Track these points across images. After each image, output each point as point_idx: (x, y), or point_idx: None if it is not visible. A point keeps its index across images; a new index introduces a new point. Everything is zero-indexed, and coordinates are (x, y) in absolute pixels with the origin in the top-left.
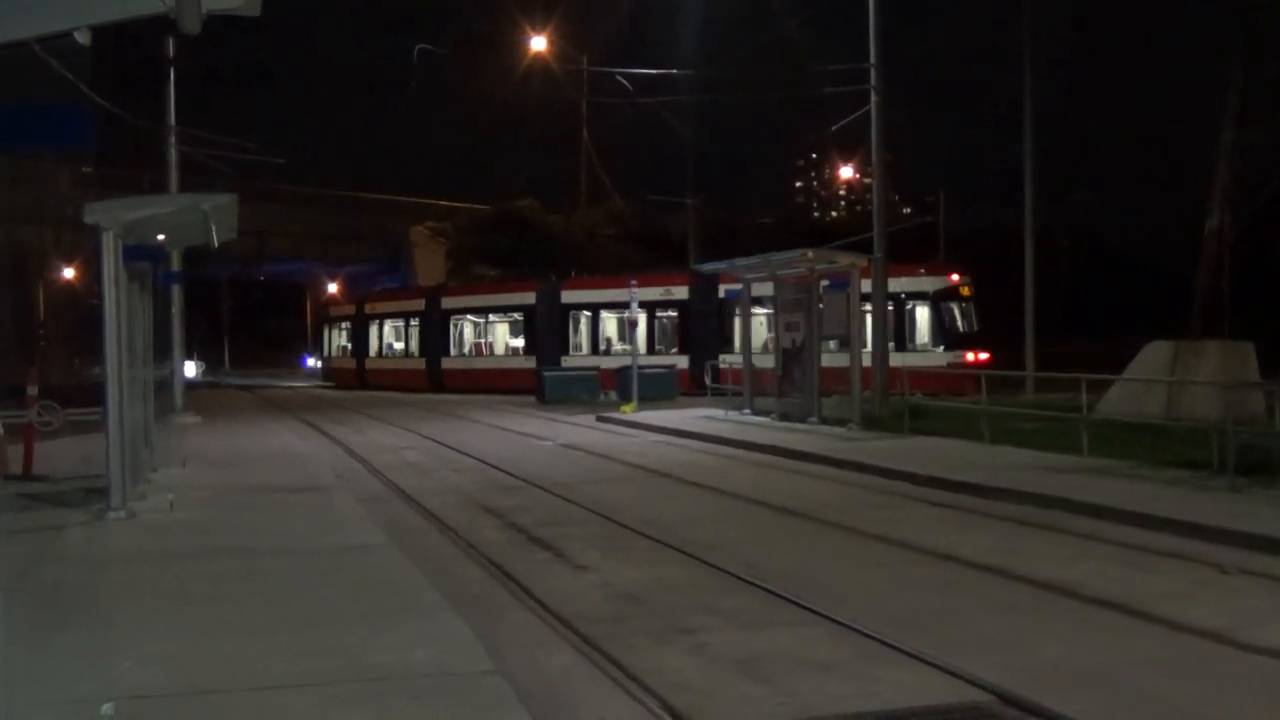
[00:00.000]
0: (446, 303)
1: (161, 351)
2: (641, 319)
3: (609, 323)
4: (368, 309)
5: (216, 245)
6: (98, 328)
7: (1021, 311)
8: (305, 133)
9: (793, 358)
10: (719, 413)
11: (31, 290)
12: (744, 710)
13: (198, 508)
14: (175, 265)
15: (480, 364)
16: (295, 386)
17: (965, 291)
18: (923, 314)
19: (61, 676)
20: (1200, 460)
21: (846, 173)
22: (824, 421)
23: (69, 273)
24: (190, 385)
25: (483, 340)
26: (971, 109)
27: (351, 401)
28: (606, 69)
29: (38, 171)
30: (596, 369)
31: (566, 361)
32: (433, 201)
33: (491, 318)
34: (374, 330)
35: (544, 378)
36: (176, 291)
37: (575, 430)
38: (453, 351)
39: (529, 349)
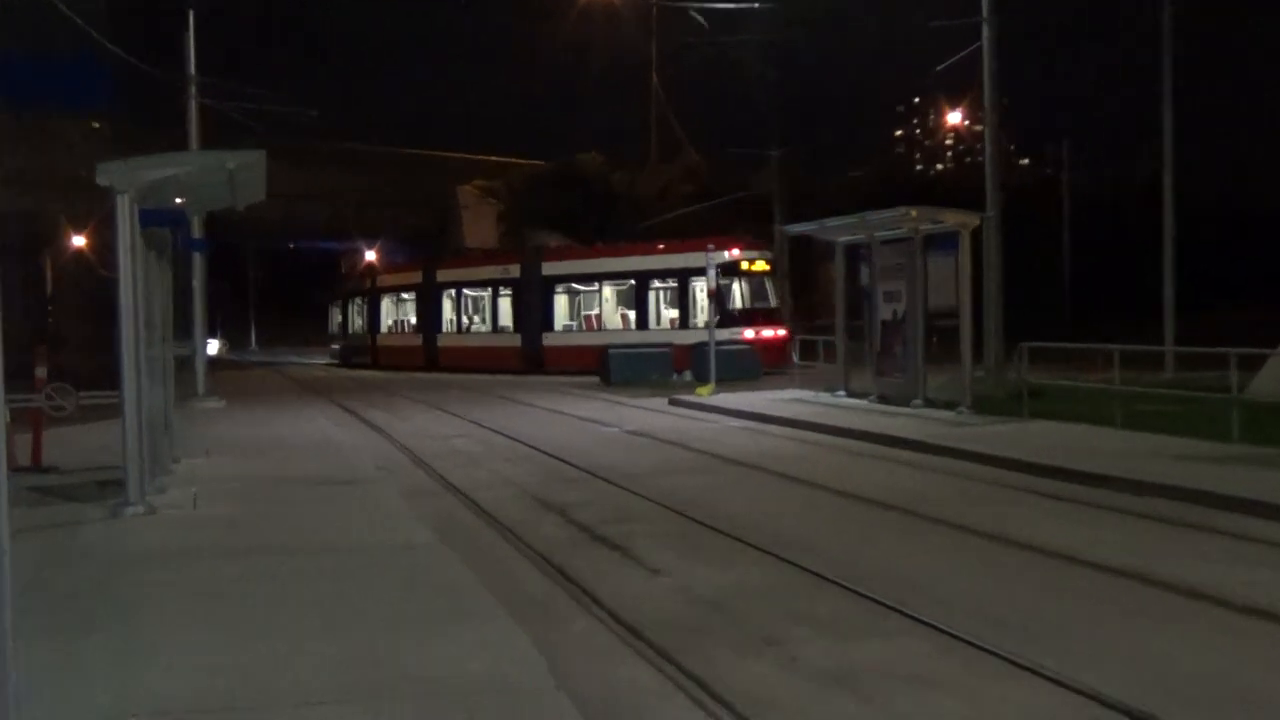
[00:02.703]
0: (381, 281)
1: (183, 328)
2: (487, 296)
3: (470, 300)
4: (348, 288)
5: (242, 209)
6: (112, 302)
7: (1159, 278)
8: (341, 84)
9: (893, 331)
10: (808, 394)
11: (40, 261)
12: None
13: (224, 502)
14: (196, 232)
15: (395, 341)
16: (318, 364)
17: (750, 266)
18: (699, 290)
19: (79, 688)
20: None
21: (954, 119)
22: (929, 404)
23: (80, 241)
24: (211, 364)
25: (393, 319)
26: (1102, 46)
27: (390, 384)
28: (678, 3)
29: (45, 129)
30: (668, 345)
31: (442, 341)
32: (483, 158)
33: (403, 296)
34: (351, 309)
35: (610, 356)
36: (198, 261)
37: (644, 415)
38: (383, 329)
39: (418, 326)
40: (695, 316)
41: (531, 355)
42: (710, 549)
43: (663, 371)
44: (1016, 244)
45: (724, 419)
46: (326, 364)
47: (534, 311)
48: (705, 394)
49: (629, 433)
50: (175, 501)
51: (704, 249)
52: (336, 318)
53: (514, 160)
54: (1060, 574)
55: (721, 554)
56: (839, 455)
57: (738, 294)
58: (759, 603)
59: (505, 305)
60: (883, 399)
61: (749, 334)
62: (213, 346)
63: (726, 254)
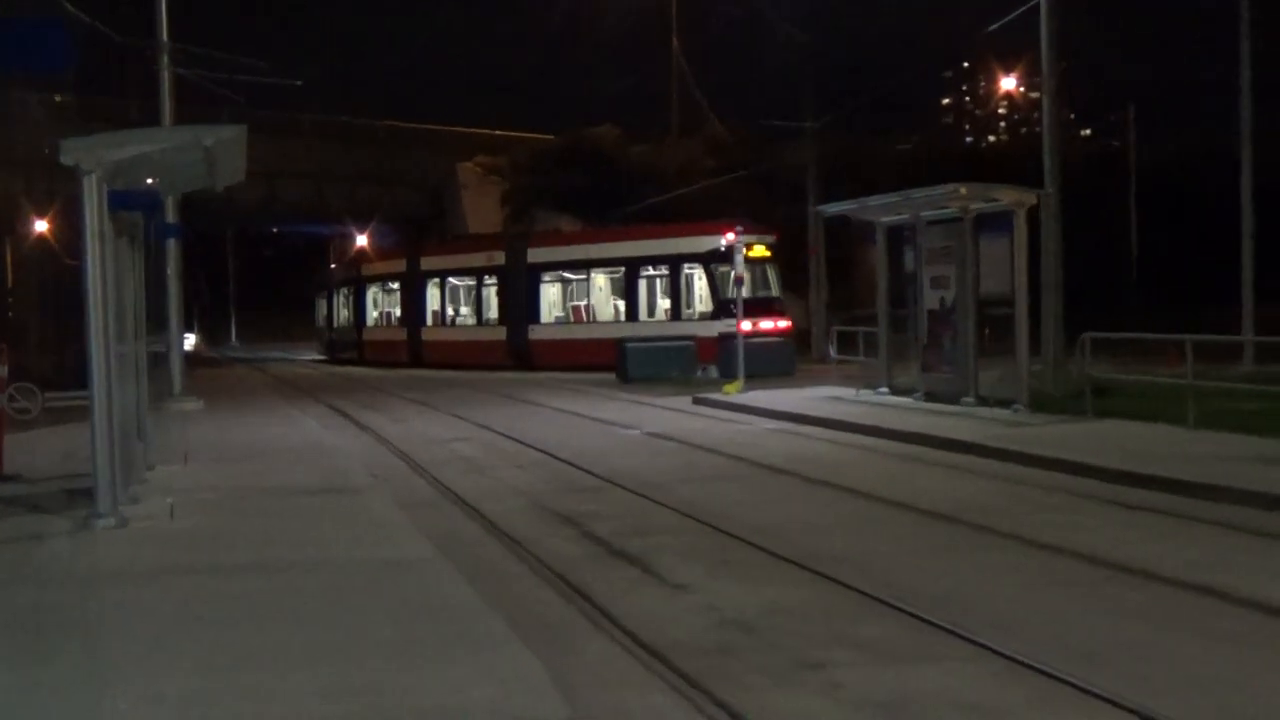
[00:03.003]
0: (366, 270)
1: (156, 323)
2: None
3: (455, 291)
4: (333, 277)
5: (220, 190)
6: (78, 293)
7: (1236, 260)
8: (327, 50)
9: (941, 321)
10: (848, 392)
11: None
12: None
13: (203, 513)
14: (170, 216)
15: (381, 335)
16: (305, 360)
17: (748, 252)
18: (696, 279)
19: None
20: None
21: (1008, 85)
22: (981, 402)
23: (42, 226)
24: (188, 361)
25: (378, 311)
26: (1171, 2)
27: (384, 382)
28: None
29: (4, 104)
30: (691, 338)
31: (426, 335)
32: (486, 132)
33: (389, 286)
34: (336, 300)
35: (627, 351)
36: (173, 248)
37: (666, 416)
38: (369, 322)
39: (402, 319)
40: (690, 307)
41: (518, 350)
42: (741, 564)
43: (685, 367)
44: (1078, 224)
45: (755, 419)
46: (314, 360)
47: (519, 303)
48: (733, 392)
49: (650, 435)
50: (149, 513)
51: (694, 233)
52: (322, 310)
53: (519, 134)
54: (1132, 590)
55: (754, 570)
56: (882, 459)
57: (724, 281)
58: (796, 624)
59: (490, 296)
60: (930, 396)
61: (745, 326)
62: (188, 342)
63: (720, 238)
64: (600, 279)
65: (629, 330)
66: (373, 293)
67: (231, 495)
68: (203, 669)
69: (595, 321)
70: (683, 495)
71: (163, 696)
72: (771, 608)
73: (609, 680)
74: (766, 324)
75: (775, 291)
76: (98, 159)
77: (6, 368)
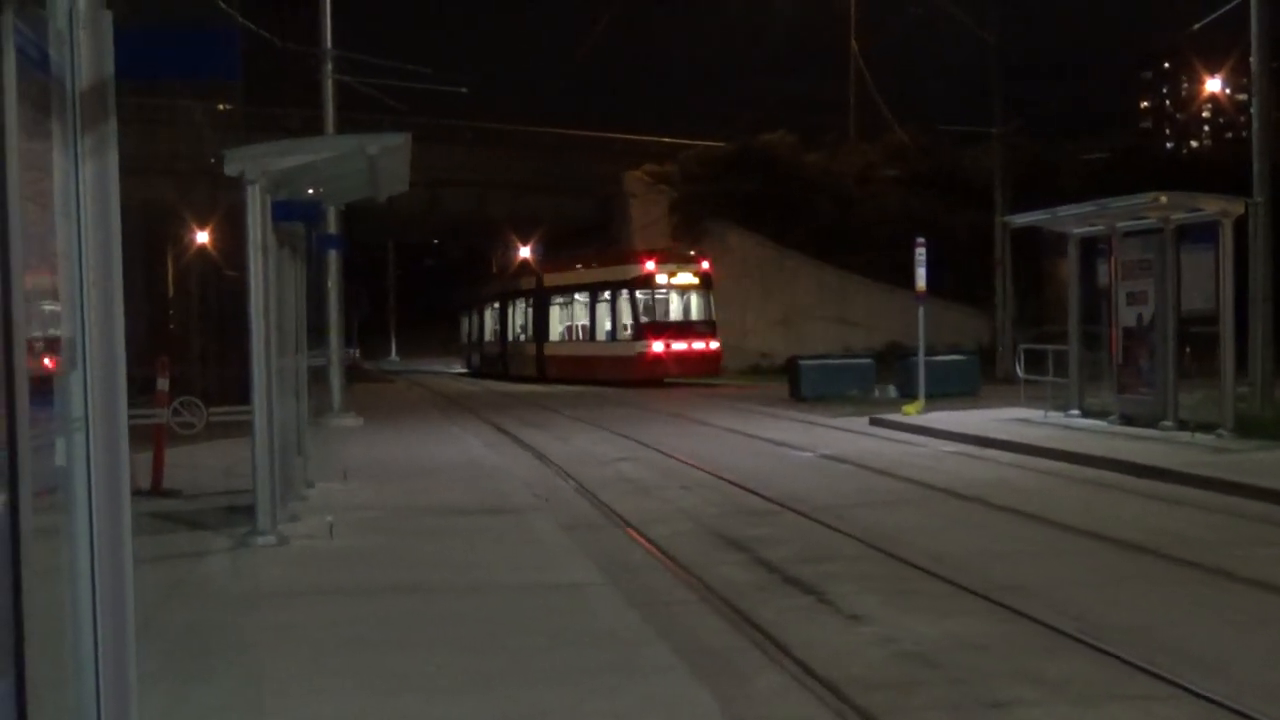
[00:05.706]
0: (485, 289)
1: (315, 336)
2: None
3: (517, 311)
4: (465, 295)
5: (383, 200)
6: (240, 305)
7: None
8: (490, 55)
9: (1138, 339)
10: (1036, 414)
11: (159, 258)
12: None
13: (363, 533)
14: (332, 227)
15: (489, 350)
16: (462, 374)
17: (671, 278)
18: (622, 304)
19: None
20: None
21: (1213, 87)
22: (1182, 426)
23: (203, 237)
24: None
25: (490, 328)
26: None
27: (543, 398)
28: None
29: (170, 112)
30: (866, 357)
31: (510, 350)
32: (654, 139)
33: (494, 306)
34: (470, 317)
35: (801, 369)
36: (334, 259)
37: (841, 437)
38: (485, 338)
39: (501, 336)
40: (622, 329)
41: (540, 364)
42: (920, 595)
43: (863, 385)
44: None
45: (935, 442)
46: (458, 373)
47: (537, 322)
48: (913, 412)
49: (825, 457)
50: (309, 531)
51: (625, 261)
52: (463, 325)
53: (689, 141)
54: None
55: (934, 600)
56: (1073, 486)
57: (645, 306)
58: (978, 658)
59: (530, 316)
60: (1125, 419)
61: (657, 347)
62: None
63: (640, 267)
64: (577, 302)
65: (589, 349)
66: (488, 312)
67: (391, 514)
68: (361, 692)
69: (575, 340)
70: (858, 520)
71: (320, 718)
72: (952, 641)
73: (780, 714)
74: (680, 345)
75: (707, 315)
76: (262, 169)
77: (168, 381)
